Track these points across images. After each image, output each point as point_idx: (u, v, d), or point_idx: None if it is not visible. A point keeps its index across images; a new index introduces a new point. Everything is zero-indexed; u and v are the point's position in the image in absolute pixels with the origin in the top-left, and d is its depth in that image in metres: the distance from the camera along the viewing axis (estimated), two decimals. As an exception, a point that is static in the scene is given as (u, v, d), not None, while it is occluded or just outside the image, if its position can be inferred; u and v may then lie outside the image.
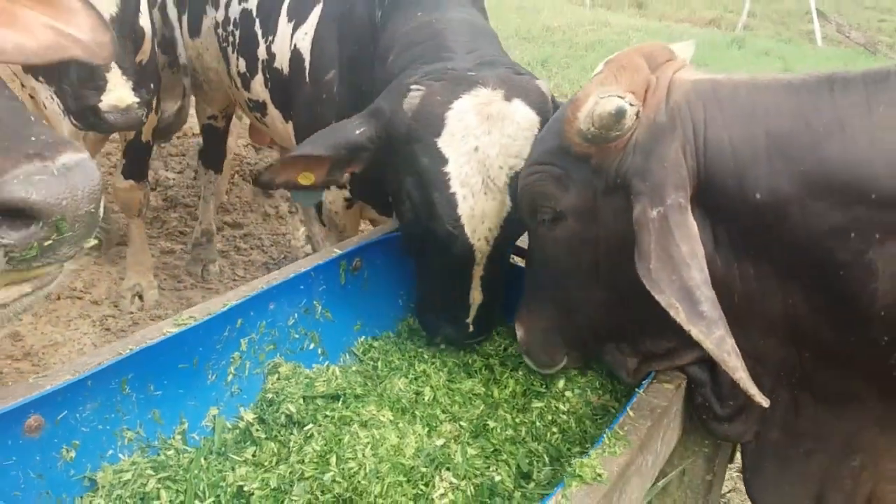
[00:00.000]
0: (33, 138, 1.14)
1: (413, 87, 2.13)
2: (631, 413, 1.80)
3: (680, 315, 1.44)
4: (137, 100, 2.71)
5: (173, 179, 5.49)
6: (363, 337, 2.40)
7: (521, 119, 2.09)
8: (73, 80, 2.65)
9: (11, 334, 3.57)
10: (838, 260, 1.46)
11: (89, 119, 2.66)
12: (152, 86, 3.17)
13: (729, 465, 2.36)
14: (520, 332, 2.10)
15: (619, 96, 1.58)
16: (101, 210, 1.25)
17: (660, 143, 1.58)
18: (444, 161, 2.05)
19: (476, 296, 2.22)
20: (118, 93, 2.63)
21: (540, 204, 1.84)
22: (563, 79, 9.48)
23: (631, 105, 1.57)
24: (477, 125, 2.06)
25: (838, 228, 1.44)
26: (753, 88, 1.58)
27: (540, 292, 2.03)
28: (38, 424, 1.58)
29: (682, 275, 1.46)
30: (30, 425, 1.57)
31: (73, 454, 1.66)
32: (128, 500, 1.66)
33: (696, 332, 1.43)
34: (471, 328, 2.25)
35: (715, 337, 1.42)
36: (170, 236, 4.79)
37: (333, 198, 3.24)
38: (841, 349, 1.57)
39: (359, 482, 1.71)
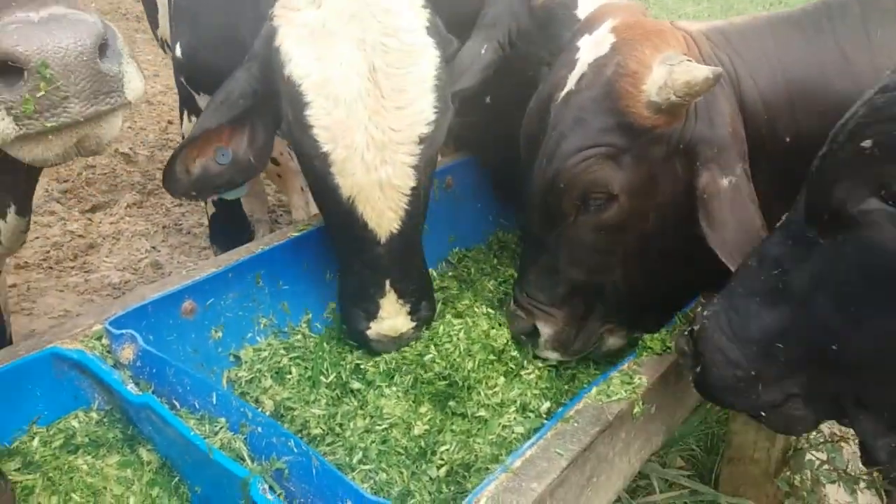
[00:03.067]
0: None
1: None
2: (703, 299, 1.96)
3: None
4: (414, 324, 2.02)
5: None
6: (457, 248, 2.64)
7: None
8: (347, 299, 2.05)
9: (153, 263, 4.06)
10: None
11: (355, 336, 2.07)
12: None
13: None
14: (550, 330, 1.94)
15: (688, 60, 1.57)
16: (122, 68, 1.22)
17: (714, 102, 1.60)
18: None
19: None
20: (391, 322, 1.97)
21: (591, 191, 1.71)
22: (660, 8, 9.25)
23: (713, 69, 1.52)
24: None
25: None
26: (759, 32, 1.62)
27: (567, 285, 1.90)
28: (192, 308, 1.93)
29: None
30: (185, 308, 1.92)
31: (220, 334, 2.00)
32: (266, 373, 2.00)
33: None
34: None
35: None
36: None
37: None
38: None
39: (454, 360, 1.97)
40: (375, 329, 1.98)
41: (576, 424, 1.53)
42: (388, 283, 1.94)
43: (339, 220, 1.88)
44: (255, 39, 1.89)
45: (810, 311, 1.35)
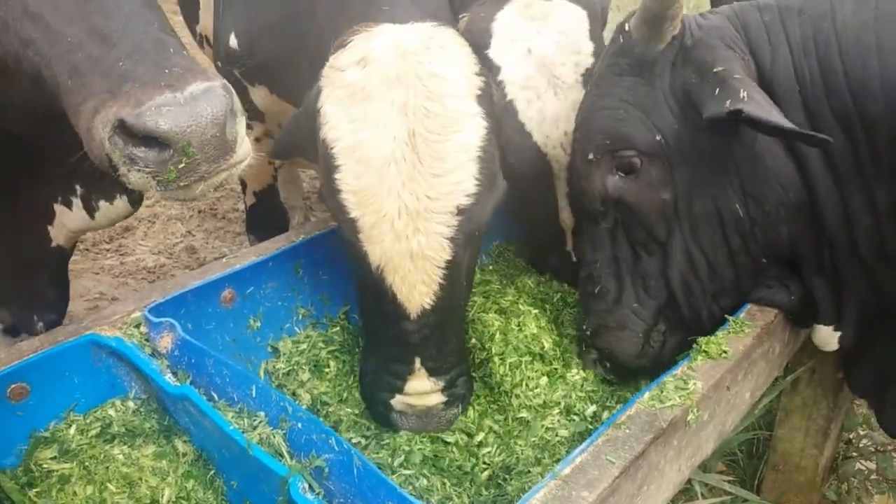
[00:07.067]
0: (166, 71, 1.29)
1: (461, 16, 2.07)
2: (759, 302, 1.88)
3: None
4: (445, 400, 1.84)
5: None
6: (497, 241, 2.58)
7: (568, 13, 2.02)
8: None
9: (188, 248, 4.05)
10: None
11: (378, 409, 1.88)
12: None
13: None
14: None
15: None
16: (236, 129, 1.36)
17: None
18: (497, 69, 1.97)
19: (566, 217, 2.11)
20: (419, 398, 1.83)
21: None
22: None
23: None
24: (524, 28, 1.99)
25: None
26: None
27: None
28: (232, 296, 1.89)
29: None
30: (225, 297, 1.88)
31: (258, 324, 1.97)
32: (304, 366, 1.96)
33: None
34: (573, 257, 2.17)
35: None
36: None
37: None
38: None
39: (496, 360, 1.92)
40: (399, 399, 1.82)
41: (628, 431, 1.46)
42: (418, 360, 1.79)
43: (368, 290, 1.76)
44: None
45: (627, 260, 1.89)
